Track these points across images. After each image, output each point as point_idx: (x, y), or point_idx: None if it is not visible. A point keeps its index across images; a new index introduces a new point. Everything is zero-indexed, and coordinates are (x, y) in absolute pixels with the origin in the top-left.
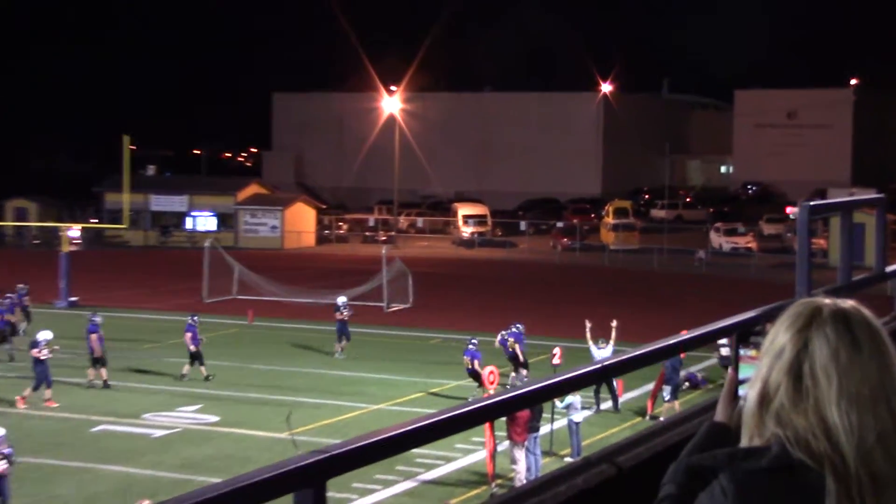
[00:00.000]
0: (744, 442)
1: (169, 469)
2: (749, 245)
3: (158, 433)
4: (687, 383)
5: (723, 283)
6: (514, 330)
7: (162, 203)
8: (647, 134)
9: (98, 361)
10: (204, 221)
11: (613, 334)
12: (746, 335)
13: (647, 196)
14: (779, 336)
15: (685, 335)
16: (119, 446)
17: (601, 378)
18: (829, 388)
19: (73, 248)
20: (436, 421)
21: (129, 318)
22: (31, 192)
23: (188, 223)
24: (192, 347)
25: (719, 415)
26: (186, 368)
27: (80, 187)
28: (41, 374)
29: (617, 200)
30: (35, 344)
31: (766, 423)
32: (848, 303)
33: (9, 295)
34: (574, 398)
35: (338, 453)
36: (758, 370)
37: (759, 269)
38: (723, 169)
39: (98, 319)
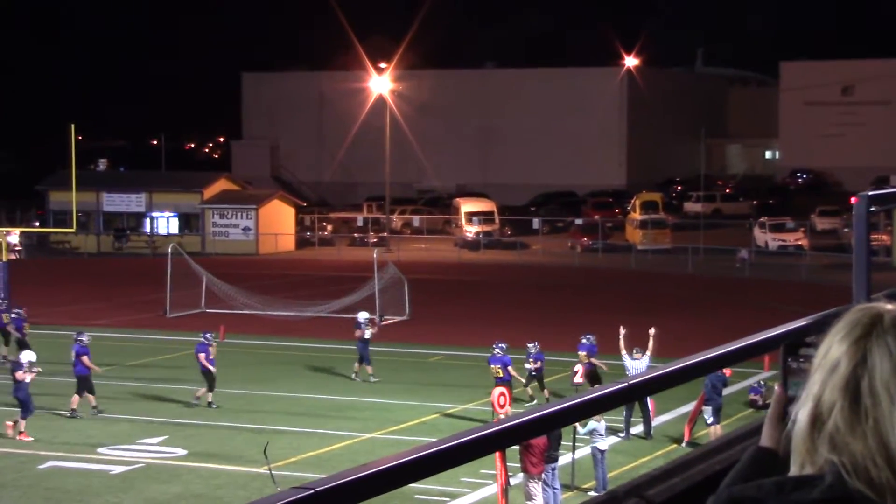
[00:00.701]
0: (793, 470)
1: None
2: (799, 242)
3: (117, 469)
4: (755, 397)
5: (769, 287)
6: (584, 342)
7: (116, 202)
8: (678, 115)
9: (86, 386)
10: (165, 223)
11: (651, 344)
12: (796, 347)
13: (679, 187)
14: (833, 348)
15: (725, 348)
16: (71, 485)
17: (627, 399)
18: (891, 408)
19: (13, 257)
20: (438, 450)
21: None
22: None
23: (147, 225)
24: (211, 368)
25: (765, 439)
26: (202, 392)
27: (18, 185)
28: (24, 399)
29: (644, 193)
30: (18, 366)
31: (818, 448)
32: None
33: None
34: (598, 423)
35: (323, 489)
36: (809, 387)
37: (810, 271)
38: (767, 154)
39: (85, 339)
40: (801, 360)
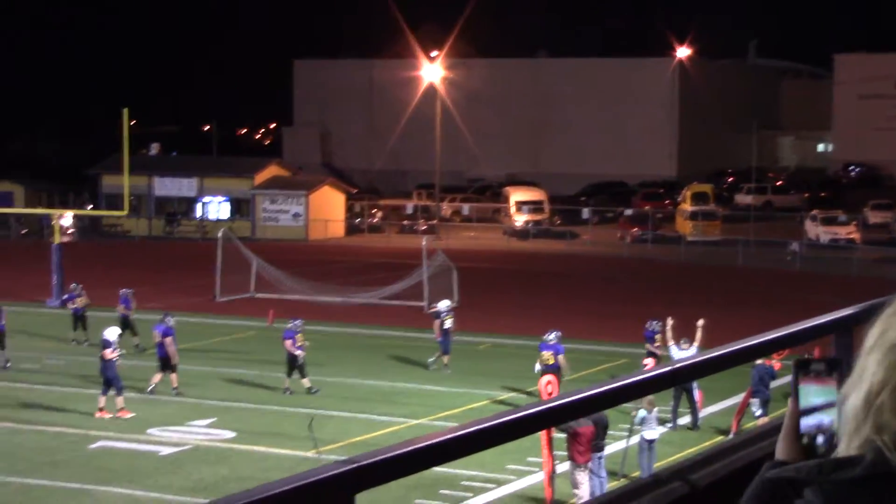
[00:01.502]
0: (841, 451)
1: (178, 492)
2: (851, 236)
3: (166, 451)
4: None
5: (819, 280)
6: (550, 339)
7: (167, 187)
8: (730, 106)
9: (169, 366)
10: (216, 208)
11: (699, 335)
12: (807, 363)
13: (730, 179)
14: (891, 329)
15: (771, 335)
16: (121, 466)
17: (671, 383)
18: None
19: (65, 239)
20: (482, 428)
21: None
22: (16, 175)
23: (198, 210)
24: (300, 353)
25: (780, 453)
26: (307, 382)
27: (72, 169)
28: (113, 377)
29: (695, 184)
30: (107, 344)
31: (861, 429)
32: None
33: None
34: (649, 412)
35: (368, 463)
36: (862, 367)
37: (862, 264)
38: (820, 147)
39: (171, 321)
40: (812, 374)
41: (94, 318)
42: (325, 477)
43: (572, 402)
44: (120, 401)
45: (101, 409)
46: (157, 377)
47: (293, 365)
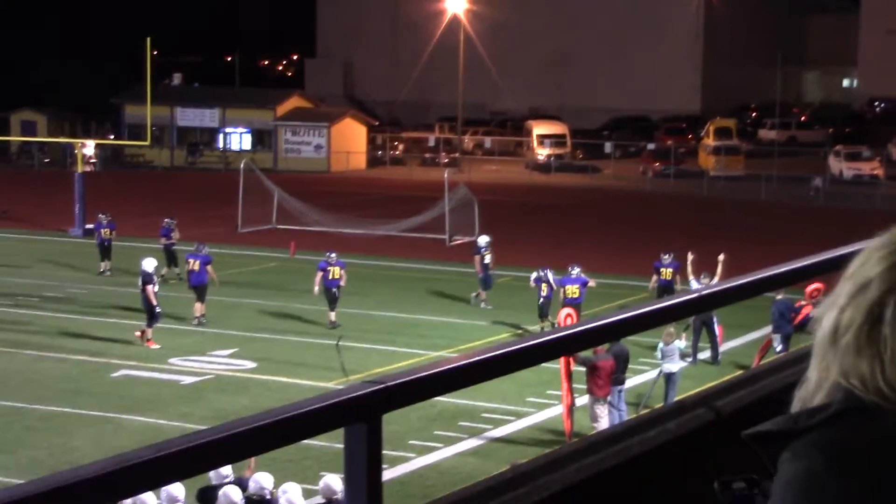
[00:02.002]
0: (811, 376)
1: (199, 421)
2: (875, 172)
3: (187, 380)
4: None
5: (843, 216)
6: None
7: (189, 117)
8: (755, 40)
9: (202, 295)
10: (238, 139)
11: (720, 270)
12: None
13: (754, 114)
14: (868, 264)
15: (791, 265)
16: (143, 395)
17: (699, 309)
18: None
19: (88, 169)
20: (507, 352)
21: (151, 250)
22: (39, 104)
23: (220, 141)
24: (331, 288)
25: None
26: (334, 316)
27: (95, 98)
28: (149, 308)
29: (719, 119)
30: (146, 276)
31: (831, 368)
32: None
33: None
34: (668, 345)
35: (395, 384)
36: (836, 295)
37: (886, 200)
38: (845, 83)
39: (205, 249)
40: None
41: (122, 248)
42: (355, 396)
43: (595, 328)
44: (149, 332)
45: (148, 340)
46: (199, 306)
47: (330, 297)
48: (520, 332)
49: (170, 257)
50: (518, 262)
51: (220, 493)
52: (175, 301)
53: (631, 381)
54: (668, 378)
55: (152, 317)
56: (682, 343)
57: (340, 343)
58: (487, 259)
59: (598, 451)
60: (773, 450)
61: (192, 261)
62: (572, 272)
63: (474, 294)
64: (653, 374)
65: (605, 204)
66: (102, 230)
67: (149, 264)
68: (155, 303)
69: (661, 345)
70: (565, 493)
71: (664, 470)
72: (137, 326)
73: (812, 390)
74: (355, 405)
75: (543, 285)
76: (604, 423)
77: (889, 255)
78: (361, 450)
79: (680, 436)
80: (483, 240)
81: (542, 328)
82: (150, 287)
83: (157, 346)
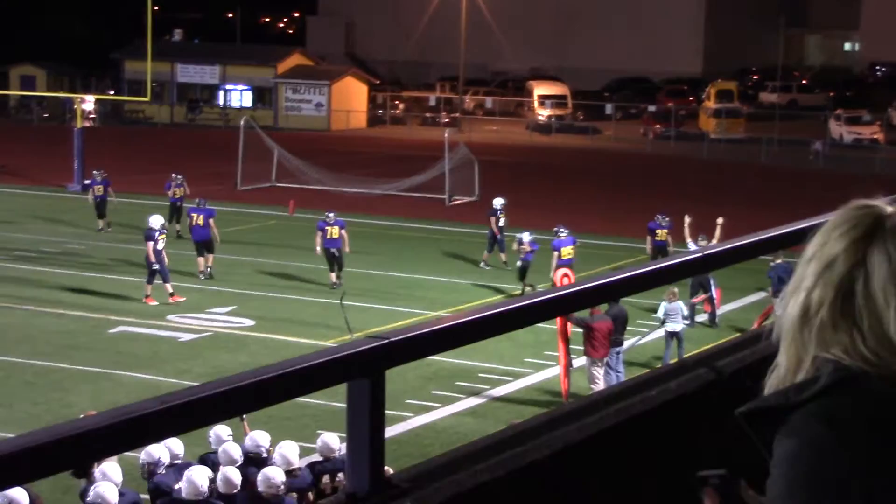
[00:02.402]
0: (781, 360)
1: (197, 378)
2: (875, 136)
3: (185, 337)
4: None
5: (843, 179)
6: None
7: (190, 74)
8: (757, 3)
9: (210, 248)
10: (238, 96)
11: (718, 233)
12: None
13: (755, 77)
14: (830, 243)
15: (790, 227)
16: (140, 351)
17: (703, 269)
18: (886, 310)
19: (87, 124)
20: (506, 310)
21: (150, 206)
22: (38, 58)
23: (220, 98)
24: (332, 249)
25: None
26: (335, 276)
27: (94, 53)
28: (149, 264)
29: (720, 81)
30: (151, 232)
31: (807, 346)
32: None
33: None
34: (671, 302)
35: (397, 340)
36: (800, 277)
37: (886, 164)
38: (847, 46)
39: (206, 204)
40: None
41: (123, 204)
42: (359, 351)
43: (592, 288)
44: (148, 288)
45: (147, 296)
46: (202, 261)
47: (330, 258)
48: (515, 292)
49: (173, 212)
50: (517, 223)
51: (220, 449)
52: (174, 258)
53: (630, 342)
54: (675, 336)
55: (151, 273)
56: (683, 305)
57: (343, 302)
58: (502, 222)
59: (599, 409)
60: (767, 427)
61: (195, 215)
62: (561, 234)
63: (483, 262)
64: (657, 334)
65: (605, 166)
66: (96, 187)
67: (154, 221)
68: (153, 259)
69: (664, 303)
70: (566, 452)
71: (665, 429)
72: (136, 283)
73: (784, 375)
74: (358, 360)
75: (523, 247)
76: (600, 385)
77: (848, 232)
78: (364, 405)
79: (681, 395)
80: (498, 202)
81: (524, 291)
82: (149, 244)
83: (155, 303)
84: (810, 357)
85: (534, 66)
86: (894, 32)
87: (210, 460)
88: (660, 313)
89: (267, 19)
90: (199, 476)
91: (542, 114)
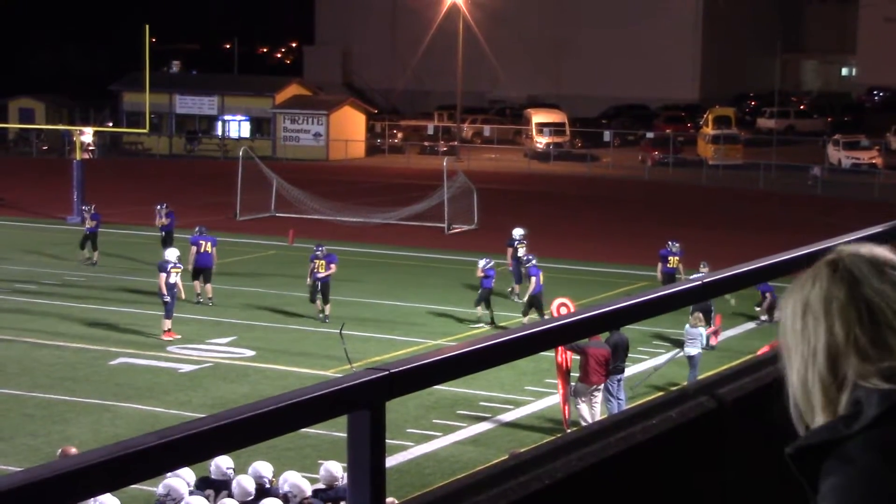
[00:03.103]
0: (818, 423)
1: (198, 409)
2: (873, 161)
3: (186, 368)
4: None
5: (841, 204)
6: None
7: (188, 105)
8: (754, 28)
9: (208, 276)
10: (237, 127)
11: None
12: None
13: (753, 103)
14: (813, 294)
15: (790, 254)
16: (141, 382)
17: (702, 297)
18: None
19: (86, 156)
20: (510, 340)
21: (149, 237)
22: (37, 91)
23: (218, 129)
24: (317, 282)
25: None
26: (320, 305)
27: (93, 85)
28: (162, 297)
29: (717, 107)
30: (164, 264)
31: (840, 395)
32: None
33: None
34: (695, 327)
35: (398, 371)
36: (805, 340)
37: (884, 189)
38: (844, 71)
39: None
40: None
41: (117, 235)
42: (357, 383)
43: (595, 316)
44: (167, 323)
45: (167, 331)
46: (198, 284)
47: (313, 289)
48: (515, 320)
49: (164, 241)
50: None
51: (234, 482)
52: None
53: (631, 370)
54: (689, 360)
55: (164, 306)
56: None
57: (343, 332)
58: (521, 252)
59: (600, 438)
60: (813, 463)
61: (204, 242)
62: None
63: (510, 289)
64: (665, 357)
65: (604, 193)
66: (86, 222)
67: (170, 254)
68: (164, 291)
69: (687, 326)
70: (568, 481)
71: (667, 458)
72: (135, 314)
73: (815, 414)
74: (359, 392)
75: (532, 278)
76: (585, 413)
77: (817, 277)
78: (365, 436)
79: (682, 424)
80: (518, 232)
81: (479, 319)
82: (162, 276)
83: (178, 337)
84: (847, 391)
85: (531, 93)
86: (891, 57)
87: (210, 483)
88: (685, 334)
89: (264, 50)
90: None
91: (541, 141)
